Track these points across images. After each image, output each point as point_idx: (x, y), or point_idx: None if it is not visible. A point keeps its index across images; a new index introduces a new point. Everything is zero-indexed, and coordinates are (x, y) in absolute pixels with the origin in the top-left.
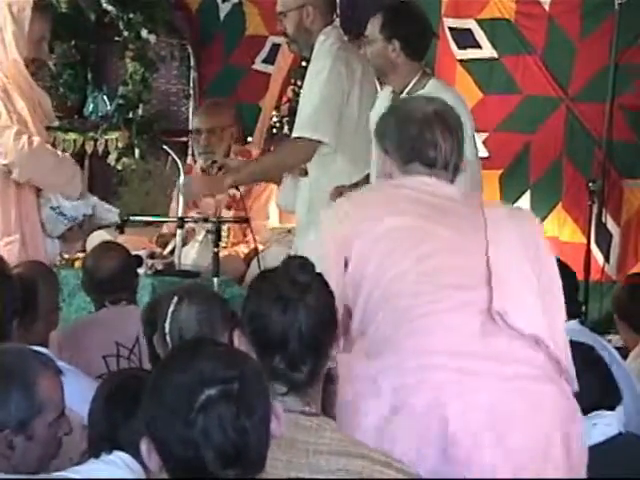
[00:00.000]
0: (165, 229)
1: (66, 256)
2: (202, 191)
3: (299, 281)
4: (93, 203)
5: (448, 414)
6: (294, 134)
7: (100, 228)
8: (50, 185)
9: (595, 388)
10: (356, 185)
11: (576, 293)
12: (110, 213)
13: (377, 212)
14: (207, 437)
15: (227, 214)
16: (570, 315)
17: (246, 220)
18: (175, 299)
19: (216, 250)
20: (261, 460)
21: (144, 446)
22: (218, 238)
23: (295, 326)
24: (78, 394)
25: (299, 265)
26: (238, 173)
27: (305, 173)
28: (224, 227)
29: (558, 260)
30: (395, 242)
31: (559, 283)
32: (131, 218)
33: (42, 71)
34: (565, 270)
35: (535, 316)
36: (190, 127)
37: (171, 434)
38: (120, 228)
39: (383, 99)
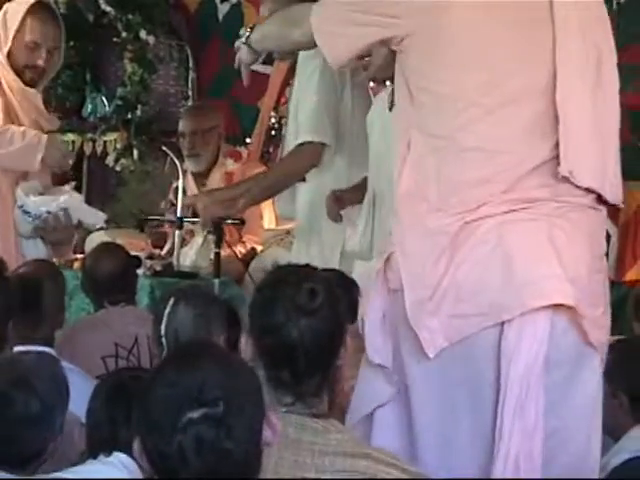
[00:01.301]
0: (167, 226)
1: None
2: (217, 214)
3: (311, 303)
4: (63, 202)
5: (508, 241)
6: (297, 140)
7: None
8: None
9: None
10: (355, 188)
11: None
12: (96, 217)
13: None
14: (184, 458)
15: None
16: None
17: (243, 222)
18: (172, 301)
19: (217, 251)
20: (250, 471)
21: (136, 445)
22: (219, 239)
23: (304, 345)
24: (80, 394)
25: (311, 289)
26: (249, 193)
27: (303, 179)
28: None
29: None
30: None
31: (616, 81)
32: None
33: (41, 79)
34: None
35: (594, 165)
36: None
37: (152, 446)
38: (140, 228)
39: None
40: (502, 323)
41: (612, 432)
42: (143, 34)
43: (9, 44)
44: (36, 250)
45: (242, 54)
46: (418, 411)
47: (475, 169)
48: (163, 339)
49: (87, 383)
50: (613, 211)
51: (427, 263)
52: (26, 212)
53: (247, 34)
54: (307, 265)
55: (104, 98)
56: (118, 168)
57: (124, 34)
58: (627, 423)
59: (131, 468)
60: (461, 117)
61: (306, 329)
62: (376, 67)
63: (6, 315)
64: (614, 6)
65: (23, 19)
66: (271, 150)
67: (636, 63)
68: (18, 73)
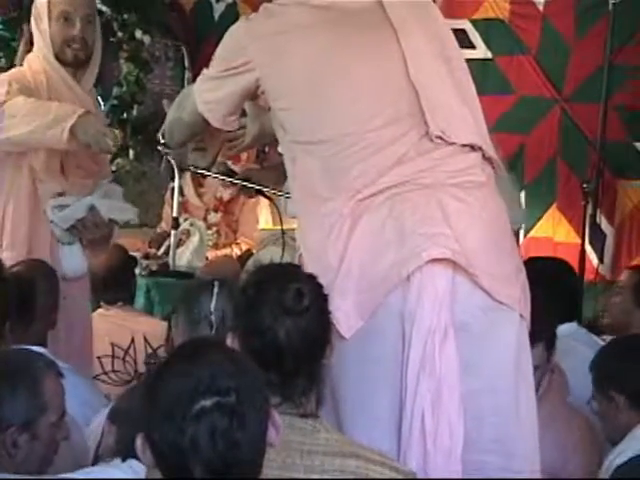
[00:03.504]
0: (164, 226)
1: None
2: None
3: (298, 304)
4: (89, 201)
5: (399, 210)
6: None
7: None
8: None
9: None
10: (270, 168)
11: (576, 295)
12: (127, 213)
13: (286, 43)
14: (196, 447)
15: (215, 217)
16: (569, 317)
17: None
18: (217, 284)
19: None
20: (254, 470)
21: (139, 441)
22: None
23: (292, 346)
24: (74, 394)
25: (297, 289)
26: None
27: None
28: (214, 229)
29: (563, 262)
30: (313, 85)
31: (466, 68)
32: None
33: (86, 56)
34: (567, 272)
35: (465, 123)
36: None
37: (162, 438)
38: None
39: None
40: (404, 288)
41: (616, 438)
42: (139, 34)
43: (47, 27)
44: (71, 256)
45: (175, 158)
46: (336, 385)
47: (355, 152)
48: (212, 316)
49: (82, 383)
50: (609, 211)
51: (327, 247)
52: (57, 225)
53: (163, 140)
54: (291, 264)
55: (100, 98)
56: (114, 168)
57: (120, 34)
58: (630, 422)
59: (140, 473)
60: (331, 119)
61: (293, 330)
62: (251, 137)
63: (3, 316)
64: (610, 7)
65: None
66: (267, 150)
67: (631, 63)
68: (61, 60)
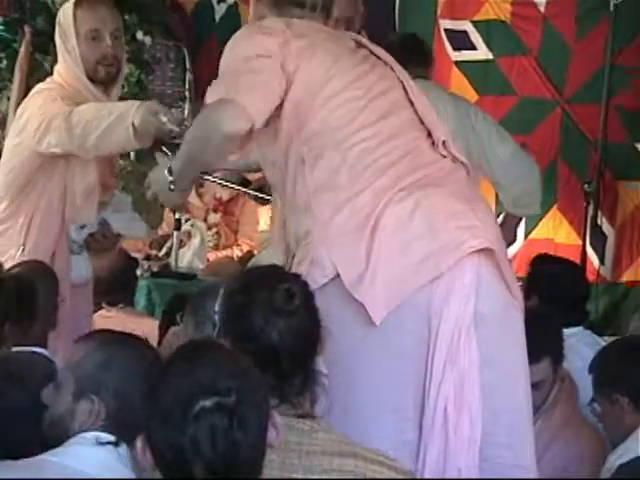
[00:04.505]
0: (165, 227)
1: None
2: None
3: (289, 304)
4: (101, 216)
5: (425, 204)
6: None
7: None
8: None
9: None
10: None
11: (586, 300)
12: (136, 229)
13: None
14: (196, 448)
15: (215, 218)
16: (577, 322)
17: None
18: (224, 286)
19: None
20: (255, 470)
21: (139, 443)
22: None
23: (286, 347)
24: None
25: (287, 289)
26: None
27: None
28: (214, 230)
29: (575, 266)
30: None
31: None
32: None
33: (116, 71)
34: (580, 278)
35: (453, 143)
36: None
37: (163, 439)
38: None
39: None
40: (432, 284)
41: (619, 440)
42: (140, 35)
43: (75, 46)
44: (78, 265)
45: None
46: (357, 379)
47: (373, 149)
48: (216, 317)
49: None
50: (610, 212)
51: (355, 238)
52: (75, 242)
53: (172, 186)
54: (275, 265)
55: None
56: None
57: None
58: (635, 424)
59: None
60: (349, 118)
61: (286, 331)
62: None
63: (3, 317)
64: (611, 8)
65: (74, 15)
66: None
67: (632, 64)
68: (92, 78)
